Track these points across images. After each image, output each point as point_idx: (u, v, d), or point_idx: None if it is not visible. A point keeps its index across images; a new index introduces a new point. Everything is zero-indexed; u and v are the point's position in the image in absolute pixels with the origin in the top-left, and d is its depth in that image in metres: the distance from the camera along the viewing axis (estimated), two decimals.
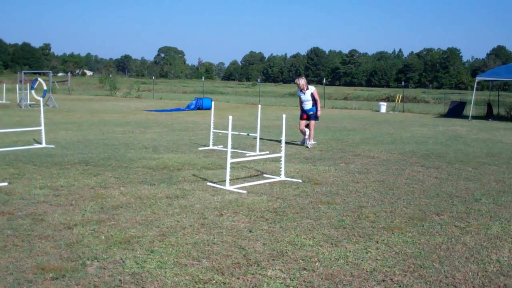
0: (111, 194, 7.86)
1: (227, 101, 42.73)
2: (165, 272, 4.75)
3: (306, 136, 14.19)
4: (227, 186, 8.45)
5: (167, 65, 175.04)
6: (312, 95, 14.27)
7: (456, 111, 30.17)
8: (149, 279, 4.60)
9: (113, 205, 7.20)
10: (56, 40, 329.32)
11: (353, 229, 6.26)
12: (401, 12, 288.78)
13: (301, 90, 14.30)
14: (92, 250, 5.32)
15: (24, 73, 35.18)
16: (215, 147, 13.41)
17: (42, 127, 13.40)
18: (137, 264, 4.95)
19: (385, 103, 35.16)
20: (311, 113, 14.27)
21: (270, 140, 15.40)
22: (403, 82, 46.73)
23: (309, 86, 14.38)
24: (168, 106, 32.83)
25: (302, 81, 14.28)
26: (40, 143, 13.32)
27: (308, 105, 14.31)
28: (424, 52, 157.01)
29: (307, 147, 13.84)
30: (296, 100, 48.25)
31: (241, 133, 14.15)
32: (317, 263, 5.06)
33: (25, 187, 8.20)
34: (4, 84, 39.25)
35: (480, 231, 6.31)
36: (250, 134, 13.75)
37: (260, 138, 13.36)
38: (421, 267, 5.03)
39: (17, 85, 34.91)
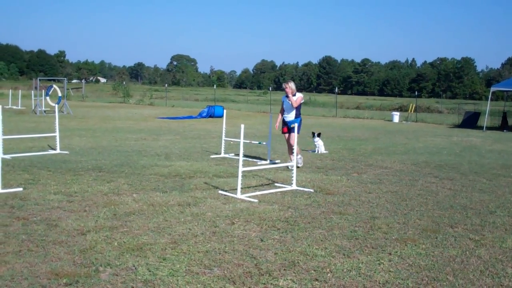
0: (124, 200, 7.89)
1: (238, 109, 42.79)
2: (177, 280, 4.76)
3: (299, 156, 12.03)
4: (239, 195, 8.46)
5: (180, 73, 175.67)
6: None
7: (470, 121, 30.03)
8: (161, 287, 4.61)
9: (126, 211, 7.23)
10: (71, 48, 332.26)
11: (365, 240, 6.24)
12: (414, 21, 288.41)
13: (286, 96, 12.01)
14: (105, 256, 5.34)
15: (40, 79, 35.43)
16: (227, 155, 13.43)
17: (57, 133, 13.48)
18: (149, 271, 4.96)
19: (398, 113, 35.08)
20: (293, 125, 11.32)
21: (282, 148, 15.40)
22: (416, 92, 46.56)
23: (297, 93, 12.04)
24: (180, 114, 32.96)
25: (293, 85, 12.03)
26: (54, 149, 13.41)
27: (291, 115, 12.07)
28: (438, 62, 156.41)
29: (298, 166, 11.50)
30: (307, 109, 48.18)
31: (253, 142, 14.15)
32: (329, 274, 5.05)
33: (40, 192, 8.26)
34: (20, 91, 39.57)
35: (495, 244, 6.26)
36: (262, 143, 13.75)
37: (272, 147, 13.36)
38: (434, 279, 5.00)
39: (32, 92, 35.20)
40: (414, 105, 37.90)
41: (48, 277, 4.73)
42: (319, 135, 15.04)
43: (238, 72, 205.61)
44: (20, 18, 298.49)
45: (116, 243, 5.79)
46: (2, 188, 8.33)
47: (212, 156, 13.34)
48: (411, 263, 5.46)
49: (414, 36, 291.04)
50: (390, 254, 5.74)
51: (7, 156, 11.77)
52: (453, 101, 75.50)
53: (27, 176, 9.69)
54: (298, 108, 12.02)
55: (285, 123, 12.09)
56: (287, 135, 12.08)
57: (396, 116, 33.88)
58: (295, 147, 10.87)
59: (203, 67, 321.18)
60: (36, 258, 5.21)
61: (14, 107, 34.89)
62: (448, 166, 12.68)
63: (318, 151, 14.78)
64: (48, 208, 7.31)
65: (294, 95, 11.87)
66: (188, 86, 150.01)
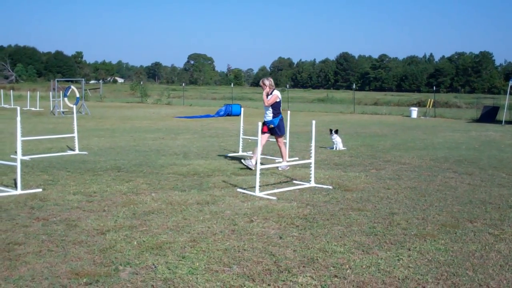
0: (143, 200, 7.94)
1: (256, 107, 42.75)
2: (197, 278, 4.79)
3: (252, 161, 10.88)
4: (257, 193, 8.47)
5: (197, 71, 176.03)
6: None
7: (489, 116, 29.73)
8: (181, 285, 4.63)
9: (145, 211, 7.27)
10: (88, 48, 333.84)
11: (384, 236, 6.22)
12: (432, 16, 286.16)
13: (267, 94, 11.29)
14: (124, 255, 5.38)
15: (57, 81, 35.74)
16: (245, 153, 13.44)
17: (75, 134, 13.60)
18: (169, 269, 4.99)
19: (416, 108, 34.84)
20: (272, 126, 11.27)
21: (300, 145, 15.38)
22: (434, 87, 46.12)
23: (274, 90, 11.35)
24: (198, 113, 33.06)
25: (268, 82, 11.38)
26: (73, 149, 13.52)
27: (268, 115, 11.36)
28: (456, 56, 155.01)
29: (250, 168, 10.79)
30: (325, 106, 48.07)
31: (270, 139, 14.14)
32: (348, 270, 5.04)
33: (59, 193, 8.34)
34: (38, 92, 40.00)
35: None
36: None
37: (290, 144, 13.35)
38: (454, 275, 4.97)
39: (50, 93, 35.54)
40: (432, 100, 37.64)
41: (68, 276, 4.78)
42: (336, 131, 14.97)
43: (255, 70, 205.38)
44: (37, 20, 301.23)
45: (135, 242, 5.83)
46: (22, 189, 8.42)
47: (230, 154, 13.37)
48: (430, 258, 5.44)
49: (432, 31, 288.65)
50: (409, 250, 5.71)
51: (26, 158, 11.90)
52: (472, 96, 74.78)
53: (46, 177, 9.79)
54: (274, 107, 11.24)
55: (264, 122, 11.27)
56: (266, 135, 11.36)
57: (414, 112, 33.66)
58: (283, 150, 11.38)
59: (220, 66, 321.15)
60: (56, 258, 5.27)
61: (33, 108, 35.25)
62: (467, 161, 12.58)
63: (336, 148, 14.74)
64: (68, 208, 7.38)
65: (271, 93, 11.23)
66: (205, 85, 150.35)
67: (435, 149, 15.15)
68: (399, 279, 4.85)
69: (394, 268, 5.13)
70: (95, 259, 5.25)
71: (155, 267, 5.06)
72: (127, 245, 5.74)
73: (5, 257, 5.26)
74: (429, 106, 36.60)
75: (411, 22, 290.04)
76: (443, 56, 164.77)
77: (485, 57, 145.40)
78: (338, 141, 14.85)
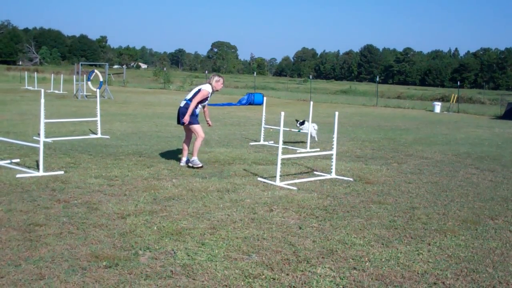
0: (164, 185, 7.97)
1: (278, 97, 42.71)
2: (216, 265, 4.80)
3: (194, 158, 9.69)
4: (278, 182, 8.46)
5: (220, 59, 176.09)
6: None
7: None
8: (200, 271, 4.65)
9: (166, 196, 7.30)
10: (113, 33, 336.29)
11: (404, 230, 6.17)
12: (458, 10, 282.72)
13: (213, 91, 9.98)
14: (144, 240, 5.41)
15: (81, 64, 35.97)
16: (266, 143, 13.43)
17: (98, 118, 13.69)
18: (188, 255, 5.01)
19: (439, 103, 34.48)
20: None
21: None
22: (458, 82, 45.61)
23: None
24: (220, 101, 33.06)
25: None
26: (95, 133, 13.62)
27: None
28: (481, 52, 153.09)
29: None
30: (348, 97, 47.78)
31: (292, 129, 14.09)
32: (367, 263, 5.02)
33: (81, 176, 8.41)
34: (62, 75, 40.27)
35: None
36: (302, 131, 13.62)
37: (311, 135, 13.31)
38: (474, 271, 4.92)
39: (74, 76, 35.83)
40: (456, 96, 37.23)
41: (88, 259, 4.82)
42: (303, 122, 13.67)
43: (278, 60, 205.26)
44: (63, 3, 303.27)
45: (155, 227, 5.86)
46: (44, 171, 8.51)
47: (252, 143, 13.36)
48: (450, 254, 5.39)
49: (457, 25, 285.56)
50: (429, 244, 5.67)
51: (49, 140, 12.00)
52: (496, 92, 73.92)
53: (68, 159, 9.87)
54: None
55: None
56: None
57: (438, 106, 33.33)
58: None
59: (244, 54, 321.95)
60: (76, 241, 5.32)
61: (56, 91, 35.54)
62: (489, 158, 12.43)
63: (312, 136, 13.61)
64: (89, 191, 7.44)
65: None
66: (228, 73, 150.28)
67: (458, 145, 15.00)
68: (418, 273, 4.82)
69: (413, 262, 5.10)
70: (115, 243, 5.29)
71: (174, 252, 5.08)
72: (147, 230, 5.77)
73: (26, 238, 5.32)
74: (452, 101, 36.22)
75: (436, 16, 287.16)
76: (468, 51, 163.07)
77: (510, 54, 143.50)
78: (312, 131, 13.70)
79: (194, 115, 9.72)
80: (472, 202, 7.79)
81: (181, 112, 9.69)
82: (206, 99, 9.90)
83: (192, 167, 9.54)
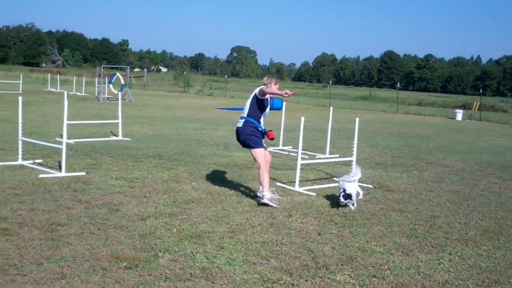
0: (183, 188, 8.00)
1: (297, 102, 42.63)
2: (234, 269, 4.80)
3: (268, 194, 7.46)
4: (297, 188, 8.43)
5: (239, 64, 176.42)
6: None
7: None
8: (219, 275, 4.65)
9: (185, 199, 7.32)
10: (134, 37, 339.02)
11: (425, 239, 6.12)
12: (481, 17, 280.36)
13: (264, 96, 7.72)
14: (164, 242, 5.43)
15: (103, 67, 36.26)
16: (285, 148, 13.41)
17: (119, 120, 13.77)
18: (207, 259, 5.01)
19: (461, 111, 34.21)
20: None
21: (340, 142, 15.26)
22: (480, 90, 45.21)
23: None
24: (239, 105, 33.03)
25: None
26: (116, 135, 13.71)
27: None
28: (504, 60, 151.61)
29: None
30: (367, 104, 47.51)
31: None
32: (387, 271, 4.98)
33: (102, 177, 8.47)
34: (84, 78, 40.66)
35: None
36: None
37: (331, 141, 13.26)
38: (496, 282, 4.86)
39: (96, 79, 36.15)
40: (478, 103, 36.89)
41: (109, 260, 4.85)
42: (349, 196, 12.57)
43: (298, 65, 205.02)
44: (86, 7, 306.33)
45: (175, 230, 5.88)
46: (66, 172, 8.58)
47: (270, 149, 13.34)
48: (472, 264, 5.33)
49: (480, 32, 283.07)
50: (450, 254, 5.61)
51: (71, 141, 12.10)
52: None
53: (89, 161, 9.95)
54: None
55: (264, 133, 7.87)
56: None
57: (459, 114, 33.05)
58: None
59: (263, 59, 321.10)
60: (97, 241, 5.35)
61: (78, 93, 35.83)
62: None
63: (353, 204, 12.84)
64: (110, 192, 7.48)
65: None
66: (247, 77, 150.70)
67: (479, 153, 14.85)
68: (439, 283, 4.77)
69: (434, 271, 5.05)
70: (135, 244, 5.31)
71: (193, 255, 5.09)
72: (166, 232, 5.79)
73: (48, 237, 5.37)
74: (474, 109, 35.90)
75: (458, 23, 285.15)
76: (491, 59, 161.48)
77: None
78: (353, 195, 12.06)
79: (255, 134, 7.64)
80: (494, 211, 7.70)
81: (241, 132, 7.68)
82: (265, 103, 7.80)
83: (267, 205, 7.25)
